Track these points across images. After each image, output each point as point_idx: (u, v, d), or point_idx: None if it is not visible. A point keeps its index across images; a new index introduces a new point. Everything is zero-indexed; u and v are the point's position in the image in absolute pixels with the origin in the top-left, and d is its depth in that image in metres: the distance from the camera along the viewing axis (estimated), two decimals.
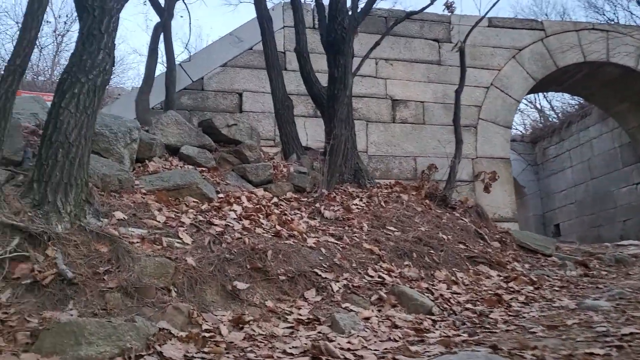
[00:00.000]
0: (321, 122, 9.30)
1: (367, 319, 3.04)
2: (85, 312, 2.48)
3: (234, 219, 3.82)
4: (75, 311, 2.47)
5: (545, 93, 16.66)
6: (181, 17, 13.48)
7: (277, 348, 2.43)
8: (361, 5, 5.62)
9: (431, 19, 11.05)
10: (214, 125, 5.10)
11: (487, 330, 2.92)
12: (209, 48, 10.20)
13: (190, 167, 4.59)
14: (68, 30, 16.54)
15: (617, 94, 11.77)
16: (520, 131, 17.84)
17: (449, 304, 3.47)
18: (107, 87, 3.35)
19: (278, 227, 3.86)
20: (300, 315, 2.99)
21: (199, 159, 4.76)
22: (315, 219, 4.38)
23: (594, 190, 13.15)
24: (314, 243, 3.78)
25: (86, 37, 3.30)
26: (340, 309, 3.12)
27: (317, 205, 4.58)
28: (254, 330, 2.66)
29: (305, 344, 2.44)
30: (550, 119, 16.96)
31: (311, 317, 2.94)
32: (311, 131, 9.28)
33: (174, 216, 3.53)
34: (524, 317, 3.20)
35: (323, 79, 7.35)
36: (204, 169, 4.73)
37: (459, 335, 2.72)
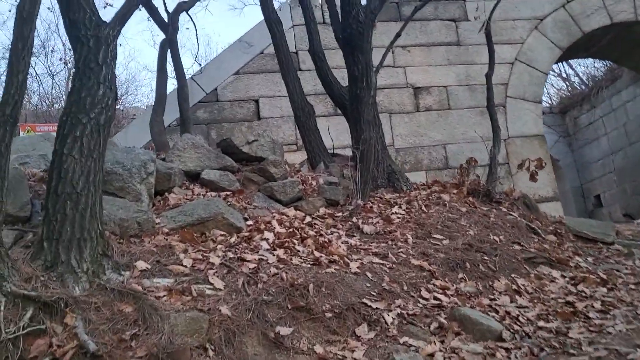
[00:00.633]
0: (343, 119, 8.98)
1: (430, 355, 2.67)
2: None
3: (267, 249, 3.47)
4: None
5: (569, 61, 15.96)
6: (187, 29, 13.14)
7: None
8: None
9: None
10: (233, 144, 4.76)
11: (572, 355, 2.53)
12: (219, 57, 9.89)
13: (213, 194, 4.26)
14: None
15: None
16: (547, 102, 17.15)
17: (518, 323, 3.07)
18: (112, 123, 3.02)
19: (316, 254, 3.50)
20: (354, 359, 2.63)
21: (221, 183, 4.43)
22: (355, 236, 4.01)
23: (633, 156, 12.48)
24: (357, 267, 3.41)
25: (83, 71, 2.97)
26: (399, 346, 2.75)
27: (354, 219, 4.21)
28: None
29: None
30: (577, 87, 16.24)
31: None
32: (334, 132, 8.91)
33: (201, 257, 3.20)
34: (610, 334, 2.80)
35: (339, 76, 6.96)
36: (228, 192, 4.39)
37: None
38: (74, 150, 2.78)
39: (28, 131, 9.37)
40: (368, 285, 3.26)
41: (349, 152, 9.27)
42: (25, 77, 2.51)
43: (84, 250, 2.73)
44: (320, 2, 9.34)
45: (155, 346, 2.39)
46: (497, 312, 3.20)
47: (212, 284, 2.93)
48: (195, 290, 2.82)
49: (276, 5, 6.83)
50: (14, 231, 2.92)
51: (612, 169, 13.36)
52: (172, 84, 9.32)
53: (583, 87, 15.67)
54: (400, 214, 4.47)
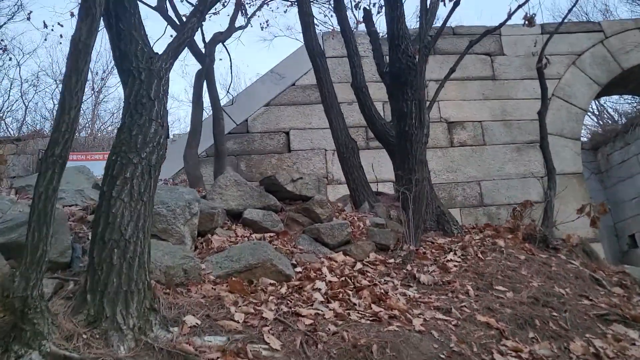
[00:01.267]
0: (379, 153, 8.71)
1: None
2: None
3: (321, 302, 3.18)
4: None
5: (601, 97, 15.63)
6: (220, 59, 13.12)
7: None
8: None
9: (480, 32, 10.33)
10: (277, 182, 4.51)
11: None
12: (250, 88, 9.77)
13: (258, 235, 3.99)
14: (104, 85, 16.51)
15: None
16: None
17: None
18: (162, 163, 2.79)
19: (374, 307, 3.20)
20: None
21: (264, 223, 4.16)
22: (411, 286, 3.70)
23: None
24: (421, 325, 3.09)
25: (134, 106, 2.76)
26: None
27: (409, 267, 3.91)
28: None
29: None
30: (610, 123, 15.87)
31: None
32: (365, 165, 8.67)
33: (253, 310, 2.91)
34: None
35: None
36: (272, 234, 4.13)
37: None
38: (123, 193, 2.54)
39: None
40: (435, 346, 2.93)
41: (381, 187, 9.03)
42: (77, 113, 2.29)
43: (131, 304, 2.47)
44: (355, 35, 9.20)
45: None
46: None
47: (268, 344, 2.63)
48: (251, 351, 2.53)
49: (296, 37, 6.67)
50: (54, 280, 2.66)
51: None
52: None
53: (614, 123, 15.29)
54: (457, 261, 4.16)
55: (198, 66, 6.93)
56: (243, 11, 8.13)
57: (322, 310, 3.06)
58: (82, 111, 15.67)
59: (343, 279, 3.58)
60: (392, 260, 4.10)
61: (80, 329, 2.37)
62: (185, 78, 36.02)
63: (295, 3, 9.29)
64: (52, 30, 11.85)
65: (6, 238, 2.88)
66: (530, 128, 9.98)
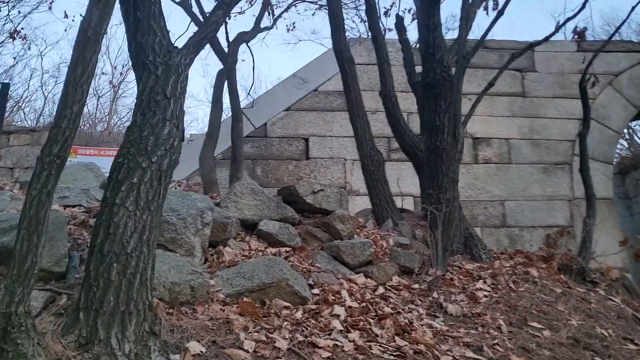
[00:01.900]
0: (401, 166, 8.40)
1: None
2: None
3: (340, 331, 2.86)
4: None
5: None
6: (243, 60, 12.89)
7: None
8: None
9: (511, 46, 9.98)
10: (296, 193, 4.20)
11: None
12: (271, 92, 9.51)
13: (273, 250, 3.69)
14: (124, 79, 16.37)
15: None
16: None
17: None
18: (175, 168, 2.50)
19: (398, 340, 2.88)
20: None
21: (281, 237, 3.86)
22: (438, 317, 3.37)
23: None
24: None
25: (147, 104, 2.48)
26: None
27: (435, 295, 3.58)
28: None
29: None
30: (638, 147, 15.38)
31: None
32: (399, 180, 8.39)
33: (265, 338, 2.60)
34: None
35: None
36: (288, 249, 3.82)
37: None
38: (128, 200, 2.26)
39: (70, 153, 9.03)
40: None
41: (402, 201, 8.70)
42: (81, 108, 2.02)
43: (128, 327, 2.18)
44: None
45: None
46: None
47: None
48: None
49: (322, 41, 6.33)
50: (46, 292, 2.38)
51: None
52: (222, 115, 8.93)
53: None
54: (486, 291, 3.82)
55: (219, 66, 6.68)
56: (270, 11, 7.88)
57: (340, 341, 2.75)
58: (100, 104, 15.53)
59: (364, 304, 3.27)
60: (416, 286, 3.77)
61: (70, 352, 2.09)
62: (206, 78, 35.90)
63: (324, 6, 9.06)
64: (73, 21, 11.70)
65: None
66: (559, 148, 9.60)
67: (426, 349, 2.87)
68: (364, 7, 6.15)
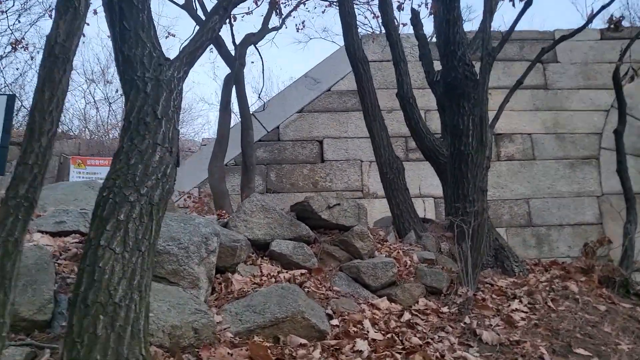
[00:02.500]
0: (420, 165, 8.04)
1: None
2: None
3: None
4: None
5: None
6: (252, 62, 12.61)
7: None
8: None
9: (532, 37, 9.57)
10: (311, 209, 3.88)
11: None
12: (282, 93, 9.18)
13: (287, 275, 3.37)
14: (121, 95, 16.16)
15: None
16: None
17: None
18: (169, 199, 2.19)
19: None
20: None
21: (295, 258, 3.55)
22: (472, 346, 3.02)
23: None
24: None
25: (135, 127, 2.17)
26: None
27: (467, 320, 3.23)
28: None
29: None
30: None
31: None
32: (418, 181, 8.03)
33: None
34: None
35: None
36: (303, 271, 3.51)
37: None
38: (115, 241, 1.95)
39: (79, 164, 8.83)
40: None
41: (422, 202, 8.34)
42: (51, 140, 1.71)
43: None
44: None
45: None
46: None
47: None
48: None
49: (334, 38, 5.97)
50: (25, 347, 2.09)
51: None
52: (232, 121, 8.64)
53: None
54: (523, 311, 3.47)
55: (227, 70, 6.37)
56: (277, 11, 7.55)
57: None
58: (111, 111, 15.32)
59: (389, 335, 2.94)
60: (446, 309, 3.43)
61: None
62: (216, 80, 35.60)
63: (334, 3, 8.70)
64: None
65: None
66: (586, 142, 9.16)
67: None
68: (376, 2, 5.81)
